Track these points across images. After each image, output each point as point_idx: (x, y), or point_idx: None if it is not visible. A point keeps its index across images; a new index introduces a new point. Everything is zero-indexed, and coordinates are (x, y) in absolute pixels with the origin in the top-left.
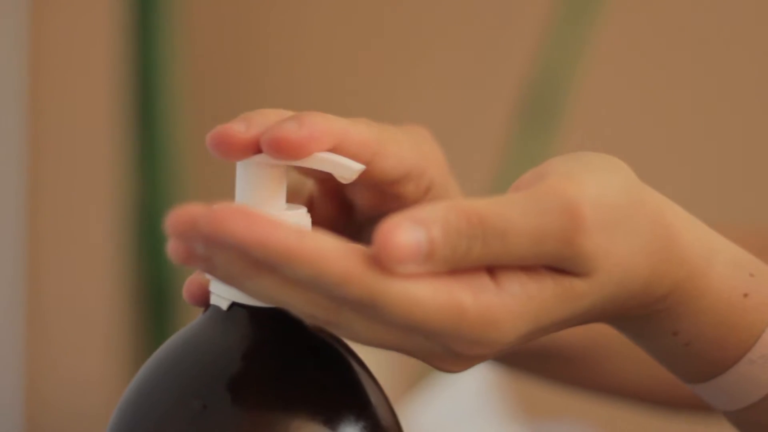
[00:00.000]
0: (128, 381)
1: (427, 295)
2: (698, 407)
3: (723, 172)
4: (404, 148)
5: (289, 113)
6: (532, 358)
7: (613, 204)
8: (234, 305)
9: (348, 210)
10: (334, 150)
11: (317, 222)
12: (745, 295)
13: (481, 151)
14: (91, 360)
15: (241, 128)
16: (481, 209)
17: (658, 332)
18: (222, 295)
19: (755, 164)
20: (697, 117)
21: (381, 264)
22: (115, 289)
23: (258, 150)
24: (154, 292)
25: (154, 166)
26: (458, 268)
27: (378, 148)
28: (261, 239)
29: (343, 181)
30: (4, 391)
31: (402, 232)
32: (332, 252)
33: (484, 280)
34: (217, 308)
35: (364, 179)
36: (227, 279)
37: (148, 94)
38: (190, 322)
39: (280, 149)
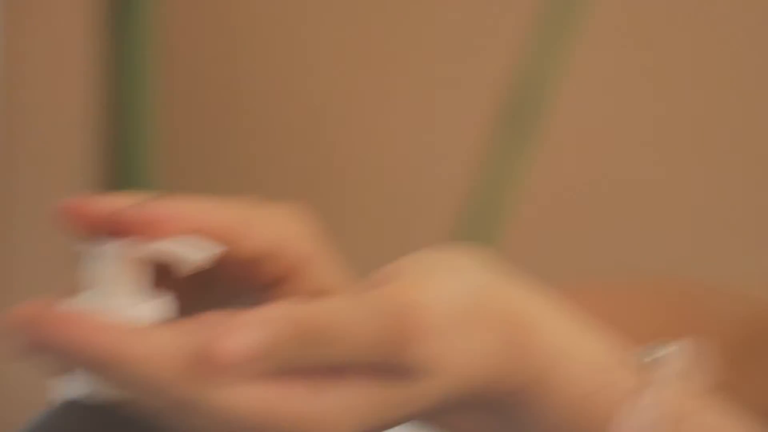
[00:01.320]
0: None
1: (241, 401)
2: None
3: (710, 174)
4: (259, 230)
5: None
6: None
7: (454, 306)
8: (75, 399)
9: (212, 285)
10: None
11: (181, 298)
12: (598, 392)
13: (462, 154)
14: None
15: (89, 203)
16: (315, 314)
17: (519, 423)
18: (72, 388)
19: (743, 166)
20: (682, 121)
21: (205, 367)
22: None
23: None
24: None
25: (129, 173)
26: (289, 371)
27: (234, 235)
28: (79, 345)
29: (182, 273)
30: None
31: (230, 335)
32: (155, 356)
33: (308, 385)
34: (67, 399)
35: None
36: (59, 372)
37: (124, 100)
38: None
39: (119, 229)
